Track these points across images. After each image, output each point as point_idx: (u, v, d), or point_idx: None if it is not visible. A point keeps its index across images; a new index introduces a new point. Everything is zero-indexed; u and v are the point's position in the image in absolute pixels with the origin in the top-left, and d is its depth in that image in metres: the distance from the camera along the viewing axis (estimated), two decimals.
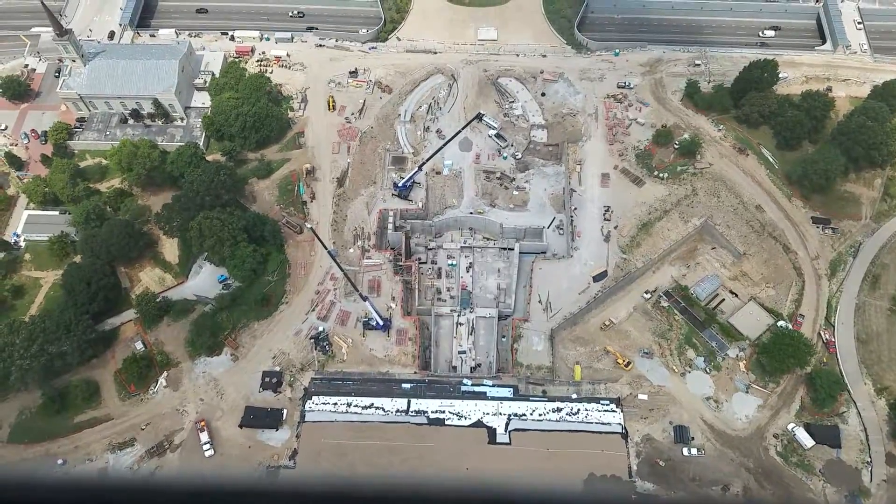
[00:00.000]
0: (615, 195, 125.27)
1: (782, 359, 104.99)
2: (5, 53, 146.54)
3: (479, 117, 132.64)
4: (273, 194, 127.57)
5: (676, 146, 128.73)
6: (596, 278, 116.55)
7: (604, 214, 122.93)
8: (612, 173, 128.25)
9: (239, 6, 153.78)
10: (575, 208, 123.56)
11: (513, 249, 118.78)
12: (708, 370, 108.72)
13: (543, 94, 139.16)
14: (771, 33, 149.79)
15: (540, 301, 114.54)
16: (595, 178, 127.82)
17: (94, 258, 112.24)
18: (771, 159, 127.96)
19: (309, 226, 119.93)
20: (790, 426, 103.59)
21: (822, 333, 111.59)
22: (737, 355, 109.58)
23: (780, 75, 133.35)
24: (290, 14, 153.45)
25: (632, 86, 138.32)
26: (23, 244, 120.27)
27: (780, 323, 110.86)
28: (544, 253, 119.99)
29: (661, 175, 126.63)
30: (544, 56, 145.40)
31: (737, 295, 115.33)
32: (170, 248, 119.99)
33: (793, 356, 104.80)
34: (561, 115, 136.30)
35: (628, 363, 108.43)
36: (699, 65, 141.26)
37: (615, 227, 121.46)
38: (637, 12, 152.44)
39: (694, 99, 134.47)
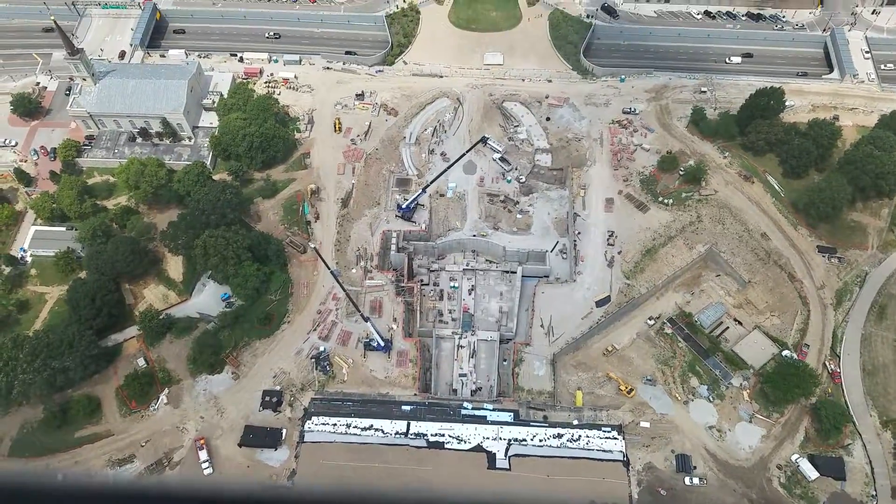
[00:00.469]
0: (619, 220, 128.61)
1: (787, 389, 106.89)
2: (18, 71, 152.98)
3: (483, 141, 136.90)
4: (278, 214, 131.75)
5: (682, 172, 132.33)
6: (599, 303, 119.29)
7: (608, 239, 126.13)
8: (617, 198, 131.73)
9: (244, 28, 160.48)
10: (579, 233, 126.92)
11: (515, 273, 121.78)
12: (711, 399, 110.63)
13: (548, 119, 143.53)
14: (738, 59, 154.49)
15: (542, 325, 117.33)
16: (599, 202, 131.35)
17: (99, 274, 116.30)
18: (777, 187, 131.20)
19: (312, 245, 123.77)
20: (794, 457, 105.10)
21: (827, 364, 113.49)
22: (741, 384, 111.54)
23: (787, 103, 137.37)
24: (267, 35, 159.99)
25: (637, 112, 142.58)
26: (29, 259, 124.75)
27: (785, 352, 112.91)
28: (547, 277, 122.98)
29: (665, 201, 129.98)
30: (550, 81, 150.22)
31: (741, 323, 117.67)
32: (174, 266, 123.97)
33: (797, 386, 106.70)
34: (566, 140, 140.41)
35: (630, 390, 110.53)
36: (705, 91, 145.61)
37: (619, 253, 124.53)
38: (643, 39, 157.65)
39: (700, 126, 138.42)
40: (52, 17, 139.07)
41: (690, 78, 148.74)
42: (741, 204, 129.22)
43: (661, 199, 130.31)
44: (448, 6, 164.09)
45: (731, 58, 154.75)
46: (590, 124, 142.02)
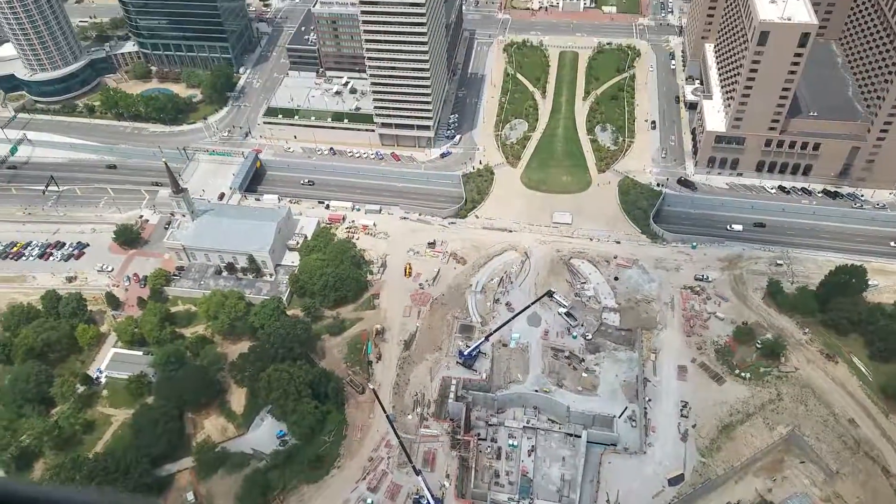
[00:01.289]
0: (693, 390, 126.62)
1: None
2: (126, 204, 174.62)
3: (549, 294, 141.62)
4: (342, 352, 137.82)
5: (759, 346, 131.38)
6: (671, 482, 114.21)
7: (681, 410, 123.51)
8: (690, 366, 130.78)
9: (336, 180, 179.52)
10: (649, 399, 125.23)
11: (580, 437, 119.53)
12: None
13: (616, 279, 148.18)
14: (738, 227, 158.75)
15: (608, 501, 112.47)
16: (671, 369, 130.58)
17: (165, 401, 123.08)
18: (864, 370, 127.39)
19: (371, 387, 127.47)
20: None
21: None
22: None
23: (870, 283, 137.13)
24: (302, 182, 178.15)
25: (710, 279, 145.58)
26: (104, 380, 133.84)
27: None
28: (614, 445, 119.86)
29: (742, 375, 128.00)
30: (618, 243, 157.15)
31: None
32: (237, 398, 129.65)
33: None
34: (635, 301, 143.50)
35: None
36: (781, 264, 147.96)
37: (693, 426, 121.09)
38: (715, 209, 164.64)
39: (777, 299, 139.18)
40: (164, 160, 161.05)
41: (765, 249, 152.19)
42: (825, 385, 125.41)
43: (737, 371, 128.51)
44: (521, 169, 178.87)
45: (733, 225, 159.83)
46: (660, 287, 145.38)
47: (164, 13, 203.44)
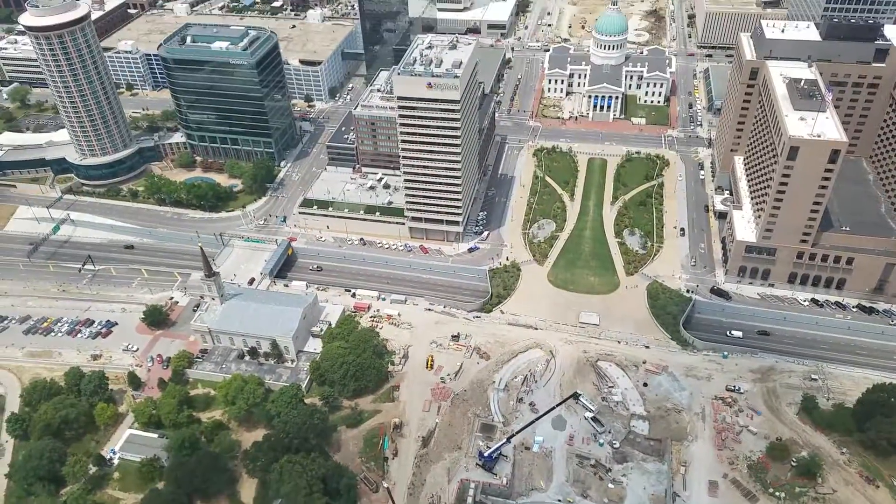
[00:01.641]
0: None
1: None
2: (159, 285, 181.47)
3: (575, 396, 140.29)
4: (358, 445, 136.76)
5: (794, 464, 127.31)
6: None
7: None
8: (722, 482, 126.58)
9: (360, 269, 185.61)
10: None
11: None
12: None
13: (645, 385, 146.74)
14: (739, 333, 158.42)
15: None
16: (702, 484, 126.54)
17: (175, 487, 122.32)
18: None
19: (385, 485, 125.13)
20: None
21: None
22: None
23: None
24: (311, 268, 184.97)
25: (742, 391, 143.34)
26: (116, 461, 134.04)
27: None
28: None
29: (777, 494, 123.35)
30: (647, 347, 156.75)
31: None
32: (248, 488, 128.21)
33: None
34: (664, 409, 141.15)
35: None
36: (815, 379, 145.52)
37: None
38: (746, 318, 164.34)
39: (812, 415, 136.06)
40: (200, 245, 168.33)
41: (799, 363, 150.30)
42: None
43: (771, 490, 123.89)
44: (548, 267, 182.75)
45: (732, 331, 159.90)
46: (690, 397, 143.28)
47: (213, 109, 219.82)
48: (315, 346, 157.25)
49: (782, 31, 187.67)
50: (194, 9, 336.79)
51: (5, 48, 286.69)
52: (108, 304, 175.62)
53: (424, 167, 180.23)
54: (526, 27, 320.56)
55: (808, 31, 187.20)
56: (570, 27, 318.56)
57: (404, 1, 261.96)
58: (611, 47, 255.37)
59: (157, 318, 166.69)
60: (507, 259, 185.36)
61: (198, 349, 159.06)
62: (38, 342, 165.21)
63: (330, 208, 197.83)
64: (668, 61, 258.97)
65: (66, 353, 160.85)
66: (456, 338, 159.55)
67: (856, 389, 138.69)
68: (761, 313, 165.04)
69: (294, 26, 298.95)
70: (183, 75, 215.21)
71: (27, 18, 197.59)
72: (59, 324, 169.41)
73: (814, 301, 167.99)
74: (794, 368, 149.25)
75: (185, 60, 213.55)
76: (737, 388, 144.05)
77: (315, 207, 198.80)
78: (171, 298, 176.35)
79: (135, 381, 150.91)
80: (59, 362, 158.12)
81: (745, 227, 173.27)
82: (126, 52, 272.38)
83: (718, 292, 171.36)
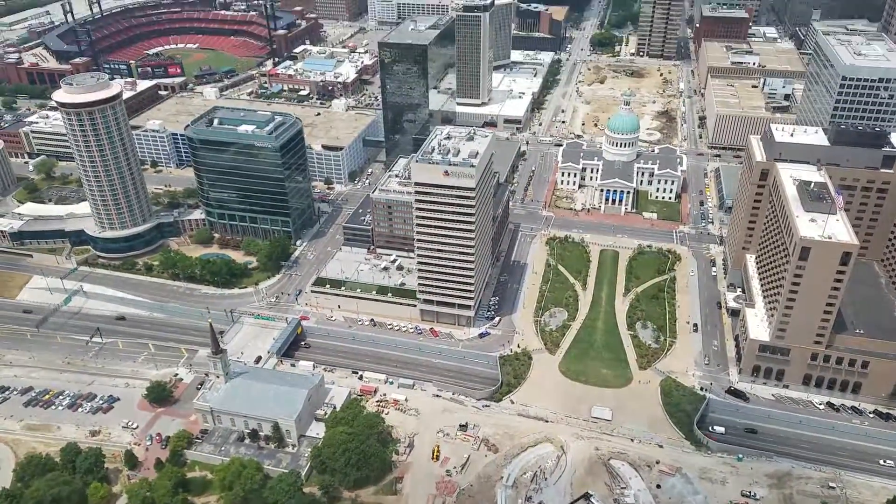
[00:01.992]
0: None
1: None
2: (165, 361, 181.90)
3: (586, 497, 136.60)
4: None
5: None
6: None
7: None
8: None
9: (369, 350, 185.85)
10: None
11: None
12: None
13: (659, 487, 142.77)
14: (721, 429, 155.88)
15: None
16: None
17: None
18: None
19: None
20: None
21: None
22: None
23: None
24: (301, 343, 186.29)
25: (758, 497, 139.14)
26: None
27: None
28: None
29: None
30: (661, 446, 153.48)
31: None
32: None
33: None
34: None
35: None
36: (833, 487, 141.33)
37: None
38: (761, 420, 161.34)
39: None
40: (209, 321, 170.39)
41: (816, 469, 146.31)
42: None
43: None
44: (559, 357, 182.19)
45: (715, 427, 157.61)
46: (705, 502, 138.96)
47: (235, 188, 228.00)
48: (318, 430, 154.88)
49: (791, 134, 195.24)
50: (223, 93, 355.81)
51: (36, 122, 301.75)
52: (111, 378, 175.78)
53: (439, 250, 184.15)
54: (540, 123, 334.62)
55: (816, 136, 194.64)
56: (583, 124, 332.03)
57: (425, 95, 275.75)
58: (623, 145, 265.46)
59: (159, 396, 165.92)
60: (518, 346, 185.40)
61: (199, 429, 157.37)
62: (38, 415, 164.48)
63: (342, 287, 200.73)
64: (679, 159, 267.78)
65: (65, 428, 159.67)
66: (464, 427, 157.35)
67: (875, 499, 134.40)
68: (776, 415, 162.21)
69: (319, 114, 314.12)
70: (207, 155, 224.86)
71: (61, 95, 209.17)
72: (60, 397, 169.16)
73: (829, 405, 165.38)
74: (811, 475, 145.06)
75: (211, 141, 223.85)
76: (752, 493, 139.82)
77: (328, 286, 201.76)
78: (176, 375, 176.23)
79: (131, 460, 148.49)
80: (57, 437, 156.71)
81: (759, 325, 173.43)
82: (153, 130, 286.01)
83: (735, 393, 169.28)
